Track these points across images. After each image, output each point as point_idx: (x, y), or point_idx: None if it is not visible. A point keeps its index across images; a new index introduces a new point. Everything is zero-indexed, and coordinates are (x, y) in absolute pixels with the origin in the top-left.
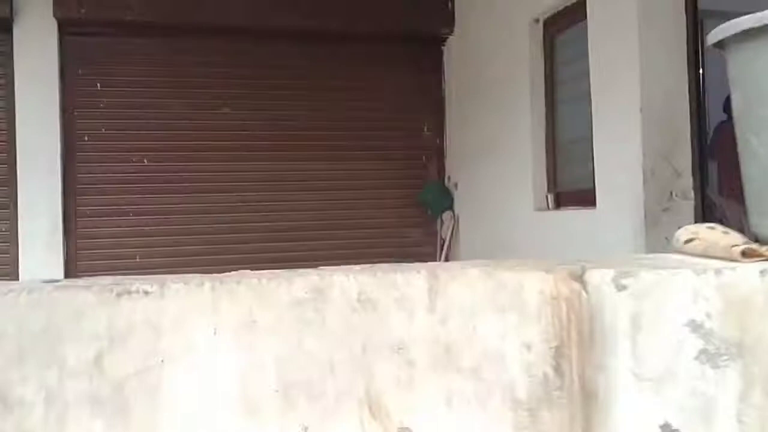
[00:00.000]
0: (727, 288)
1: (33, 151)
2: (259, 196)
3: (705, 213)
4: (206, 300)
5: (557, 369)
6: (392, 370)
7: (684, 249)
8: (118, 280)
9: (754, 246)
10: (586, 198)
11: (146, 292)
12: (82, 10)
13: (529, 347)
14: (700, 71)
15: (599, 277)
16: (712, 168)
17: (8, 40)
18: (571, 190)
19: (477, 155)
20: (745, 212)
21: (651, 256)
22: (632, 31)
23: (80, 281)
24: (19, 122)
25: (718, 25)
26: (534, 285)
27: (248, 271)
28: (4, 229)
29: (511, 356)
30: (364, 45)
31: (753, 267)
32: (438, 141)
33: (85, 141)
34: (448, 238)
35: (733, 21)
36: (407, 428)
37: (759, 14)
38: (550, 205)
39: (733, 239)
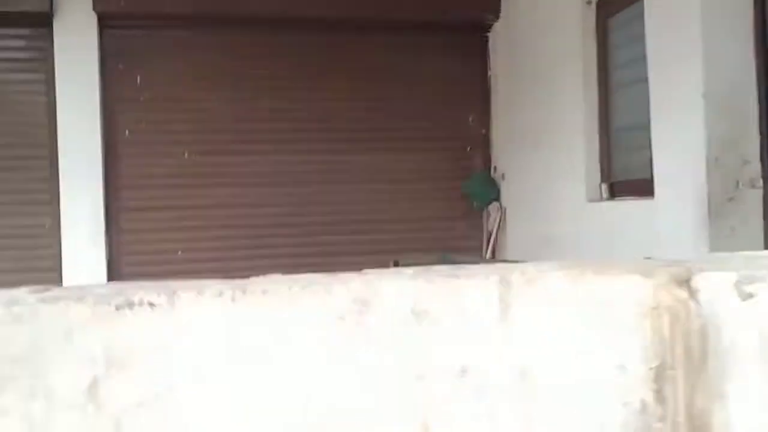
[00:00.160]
0: None
1: (74, 147)
2: (300, 189)
3: None
4: (226, 313)
5: (658, 395)
6: (456, 398)
7: None
8: (118, 288)
9: None
10: (643, 188)
11: (152, 305)
12: (122, 3)
13: (622, 368)
14: None
15: (716, 283)
16: None
17: (48, 35)
18: (626, 179)
19: (525, 144)
20: None
21: None
22: (694, 11)
23: (73, 290)
24: (60, 118)
25: None
26: (629, 292)
27: (279, 275)
28: (47, 225)
29: (601, 380)
30: (406, 34)
31: None
32: (483, 131)
33: (125, 136)
34: (494, 231)
35: None
36: None
37: None
38: (604, 196)
39: None
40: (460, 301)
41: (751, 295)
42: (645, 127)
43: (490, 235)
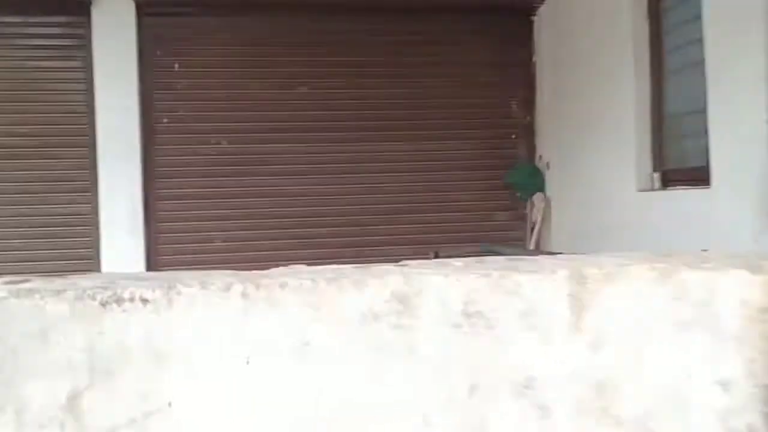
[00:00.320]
0: None
1: (113, 134)
2: (339, 178)
3: None
4: (235, 312)
5: None
6: (516, 419)
7: None
8: (107, 280)
9: None
10: (698, 176)
11: (145, 301)
12: None
13: (725, 386)
14: None
15: None
16: None
17: (87, 22)
18: (680, 167)
19: (571, 132)
20: None
21: None
22: None
23: (53, 282)
24: (98, 105)
25: None
26: (732, 291)
27: (303, 266)
28: (85, 213)
29: (698, 399)
30: (448, 18)
31: None
32: (528, 118)
33: (163, 123)
34: (538, 222)
35: None
36: None
37: None
38: (656, 185)
39: None
40: (522, 299)
41: None
42: (700, 113)
43: (534, 226)
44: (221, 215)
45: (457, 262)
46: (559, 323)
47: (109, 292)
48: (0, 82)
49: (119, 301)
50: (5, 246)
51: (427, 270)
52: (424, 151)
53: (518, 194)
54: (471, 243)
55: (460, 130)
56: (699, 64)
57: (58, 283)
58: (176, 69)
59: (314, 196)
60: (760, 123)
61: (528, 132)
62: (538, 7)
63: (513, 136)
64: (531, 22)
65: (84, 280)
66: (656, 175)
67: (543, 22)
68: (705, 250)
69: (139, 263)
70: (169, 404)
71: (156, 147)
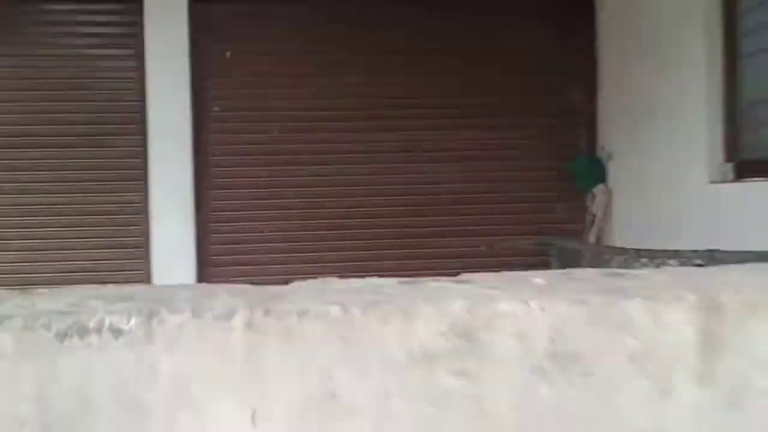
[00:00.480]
0: None
1: (164, 123)
2: (391, 167)
3: None
4: (237, 350)
5: None
6: None
7: None
8: (72, 300)
9: None
10: None
11: (117, 331)
12: None
13: None
14: None
15: None
16: None
17: (138, 9)
18: (756, 158)
19: (636, 121)
20: None
21: None
22: None
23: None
24: (150, 94)
25: None
26: None
27: (335, 279)
28: (137, 202)
29: None
30: (505, 2)
31: None
32: (589, 106)
33: (215, 112)
34: (599, 215)
35: None
36: None
37: None
38: (729, 177)
39: None
40: (634, 336)
41: None
42: None
43: (594, 219)
44: (271, 205)
45: (539, 279)
46: (684, 370)
47: (69, 320)
48: (52, 70)
49: (82, 331)
50: (56, 234)
51: (499, 292)
52: (480, 140)
53: (578, 186)
54: (527, 236)
55: (518, 119)
56: None
57: (10, 304)
58: (228, 56)
59: (365, 186)
60: None
61: (589, 121)
62: None
63: (573, 126)
64: (593, 6)
65: (43, 300)
66: (729, 166)
67: (606, 5)
68: None
69: (189, 253)
70: None
71: (207, 136)
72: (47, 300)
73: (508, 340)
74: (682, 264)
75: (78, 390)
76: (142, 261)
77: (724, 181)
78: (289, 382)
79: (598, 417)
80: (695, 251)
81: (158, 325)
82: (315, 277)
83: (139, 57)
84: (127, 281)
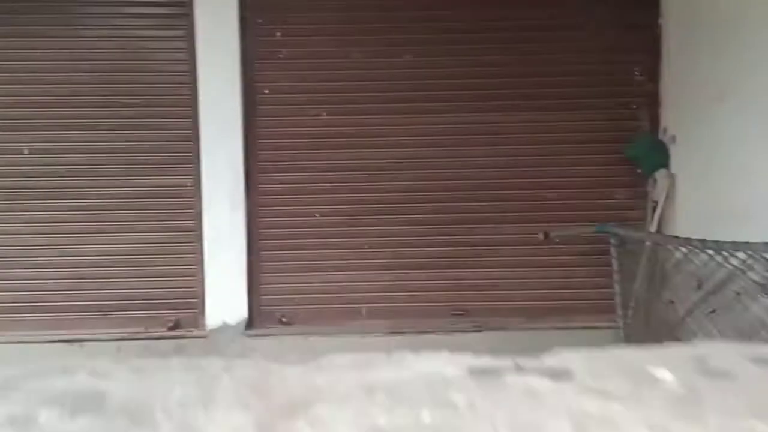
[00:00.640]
0: None
1: (215, 105)
2: (443, 151)
3: None
4: None
5: None
6: None
7: None
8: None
9: None
10: None
11: None
12: None
13: None
14: None
15: None
16: None
17: None
18: None
19: (702, 101)
20: None
21: None
22: None
23: None
24: (200, 76)
25: None
26: None
27: (382, 359)
28: (189, 185)
29: None
30: None
31: None
32: (651, 86)
33: (265, 94)
34: (661, 201)
35: None
36: None
37: None
38: None
39: None
40: None
41: None
42: None
43: (656, 206)
44: (321, 189)
45: (666, 374)
46: None
47: None
48: (102, 53)
49: None
50: (109, 217)
51: (616, 404)
52: (535, 123)
53: (639, 170)
54: (585, 223)
55: (575, 99)
56: None
57: None
58: (278, 37)
59: (417, 170)
60: None
61: (651, 101)
62: None
63: (634, 106)
64: None
65: None
66: None
67: None
68: None
69: (239, 237)
70: None
71: (257, 118)
72: None
73: None
74: (750, 257)
75: None
76: (195, 244)
77: None
78: None
79: None
80: (767, 243)
81: None
82: (365, 264)
83: (190, 38)
84: (180, 265)
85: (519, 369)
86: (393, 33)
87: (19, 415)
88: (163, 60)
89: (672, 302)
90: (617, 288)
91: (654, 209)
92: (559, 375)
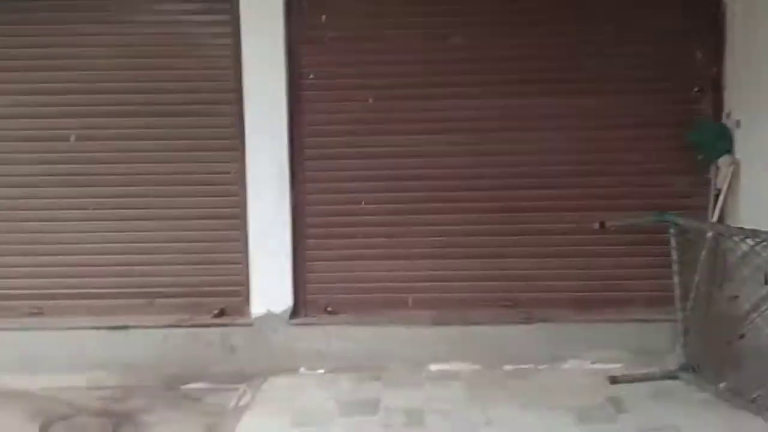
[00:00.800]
0: None
1: (259, 91)
2: (493, 137)
3: None
4: None
5: None
6: None
7: None
8: None
9: None
10: None
11: None
12: None
13: None
14: None
15: None
16: None
17: None
18: None
19: None
20: None
21: None
22: None
23: None
24: (245, 61)
25: None
26: None
27: None
28: (233, 172)
29: None
30: None
31: None
32: (714, 69)
33: (309, 79)
34: (724, 189)
35: None
36: None
37: None
38: None
39: None
40: None
41: None
42: None
43: (719, 194)
44: (367, 176)
45: None
46: None
47: None
48: (146, 38)
49: None
50: (153, 204)
51: None
52: (591, 107)
53: (700, 157)
54: (642, 212)
55: (633, 82)
56: None
57: None
58: (323, 20)
59: (466, 156)
60: None
61: (714, 85)
62: None
63: (696, 90)
64: None
65: None
66: None
67: None
68: None
69: (285, 225)
70: None
71: (302, 104)
72: None
73: None
74: None
75: None
76: (239, 232)
77: None
78: None
79: None
80: None
81: None
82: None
83: (234, 23)
84: (226, 252)
85: None
86: (442, 14)
87: None
88: (207, 45)
89: (736, 297)
90: (676, 280)
91: (716, 198)
92: None
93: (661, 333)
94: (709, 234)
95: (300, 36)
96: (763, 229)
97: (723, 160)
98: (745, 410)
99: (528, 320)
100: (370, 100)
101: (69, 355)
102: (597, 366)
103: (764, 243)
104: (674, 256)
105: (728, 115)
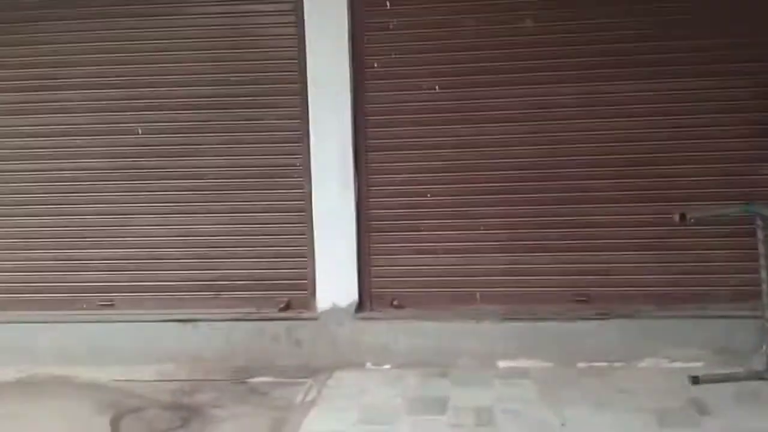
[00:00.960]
0: None
1: (323, 80)
2: (565, 125)
3: None
4: None
5: None
6: None
7: None
8: None
9: None
10: None
11: None
12: None
13: None
14: None
15: None
16: None
17: None
18: None
19: None
20: None
21: None
22: None
23: None
24: (309, 51)
25: None
26: None
27: None
28: (298, 164)
29: None
30: None
31: None
32: None
33: (374, 68)
34: None
35: None
36: None
37: None
38: None
39: None
40: None
41: None
42: None
43: None
44: (433, 167)
45: None
46: None
47: None
48: (209, 29)
49: None
50: (219, 197)
51: None
52: (670, 92)
53: None
54: (726, 202)
55: (715, 64)
56: None
57: None
58: (388, 7)
59: (536, 145)
60: None
61: None
62: None
63: None
64: None
65: None
66: None
67: None
68: None
69: (350, 218)
70: None
71: (366, 93)
72: None
73: None
74: None
75: None
76: (305, 225)
77: None
78: None
79: None
80: None
81: None
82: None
83: (298, 12)
84: (291, 245)
85: None
86: (511, 1)
87: None
88: (270, 35)
89: None
90: (763, 275)
91: None
92: None
93: (746, 330)
94: None
95: (364, 24)
96: None
97: None
98: None
99: (603, 316)
100: (437, 88)
101: (139, 347)
102: (676, 365)
103: None
104: (761, 249)
105: None
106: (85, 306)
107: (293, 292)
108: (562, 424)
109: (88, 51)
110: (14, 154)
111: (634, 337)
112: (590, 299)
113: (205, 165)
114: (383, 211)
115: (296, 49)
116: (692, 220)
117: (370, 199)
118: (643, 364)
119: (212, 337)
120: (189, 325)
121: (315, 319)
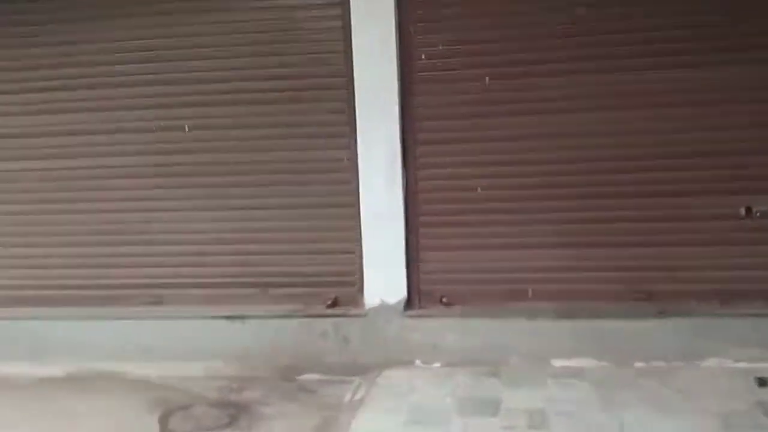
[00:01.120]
0: None
1: (370, 74)
2: (621, 115)
3: None
4: None
5: None
6: None
7: None
8: None
9: None
10: None
11: None
12: None
13: None
14: None
15: None
16: None
17: None
18: None
19: None
20: None
21: None
22: None
23: None
24: (355, 43)
25: None
26: None
27: None
28: (345, 159)
29: None
30: None
31: None
32: None
33: (422, 60)
34: None
35: None
36: None
37: None
38: None
39: None
40: None
41: None
42: None
43: None
44: (483, 161)
45: None
46: None
47: None
48: (255, 24)
49: None
50: (266, 192)
51: None
52: (736, 78)
53: None
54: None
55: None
56: None
57: None
58: None
59: (591, 137)
60: None
61: None
62: None
63: None
64: None
65: None
66: None
67: None
68: None
69: (398, 213)
70: None
71: (414, 86)
72: None
73: None
74: None
75: None
76: (353, 221)
77: None
78: None
79: None
80: None
81: None
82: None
83: (344, 4)
84: (339, 241)
85: None
86: None
87: None
88: (316, 29)
89: None
90: None
91: None
92: None
93: None
94: None
95: (411, 15)
96: None
97: None
98: None
99: (663, 314)
100: (487, 80)
101: (187, 344)
102: (741, 365)
103: None
104: None
105: None
106: (133, 303)
107: (341, 288)
108: None
109: (135, 49)
110: (72, 151)
111: (695, 335)
112: (650, 297)
113: (251, 161)
114: (432, 206)
115: (342, 41)
116: (758, 214)
117: (419, 194)
118: (706, 364)
119: (260, 334)
120: (237, 322)
121: (363, 316)
